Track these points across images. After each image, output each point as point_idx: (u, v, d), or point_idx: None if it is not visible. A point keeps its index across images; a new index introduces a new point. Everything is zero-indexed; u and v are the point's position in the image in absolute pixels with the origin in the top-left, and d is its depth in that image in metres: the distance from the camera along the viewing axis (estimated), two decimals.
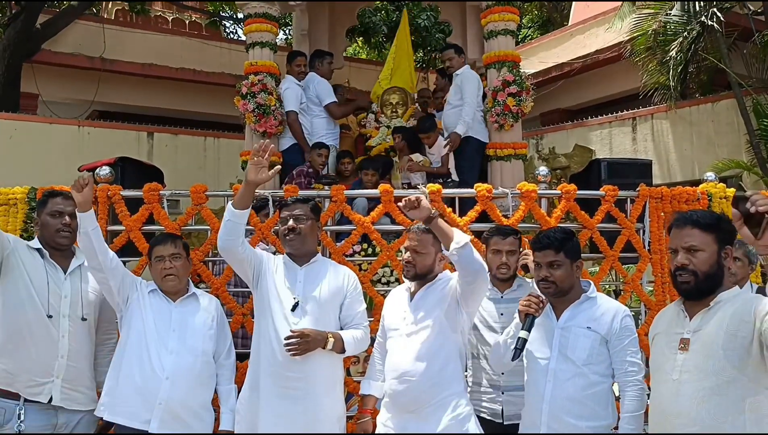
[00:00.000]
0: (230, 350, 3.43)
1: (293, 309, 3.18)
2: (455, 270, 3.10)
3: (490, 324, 3.41)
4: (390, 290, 3.63)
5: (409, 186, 5.89)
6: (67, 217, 3.31)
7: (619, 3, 11.84)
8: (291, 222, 3.25)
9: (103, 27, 12.90)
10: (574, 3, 16.07)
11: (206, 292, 3.75)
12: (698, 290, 2.47)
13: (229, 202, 3.21)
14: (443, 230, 2.95)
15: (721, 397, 2.32)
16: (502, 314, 3.41)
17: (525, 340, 2.81)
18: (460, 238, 2.92)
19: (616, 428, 2.90)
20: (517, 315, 2.94)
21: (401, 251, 3.47)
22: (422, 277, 3.19)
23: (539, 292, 2.95)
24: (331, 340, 3.14)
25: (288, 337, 3.05)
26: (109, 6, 15.76)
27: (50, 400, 3.16)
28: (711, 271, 2.45)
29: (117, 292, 3.28)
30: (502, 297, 3.47)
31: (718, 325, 2.38)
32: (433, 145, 5.97)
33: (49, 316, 3.18)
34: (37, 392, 3.14)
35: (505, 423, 3.32)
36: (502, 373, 3.30)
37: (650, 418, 2.61)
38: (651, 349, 2.67)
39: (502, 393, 3.38)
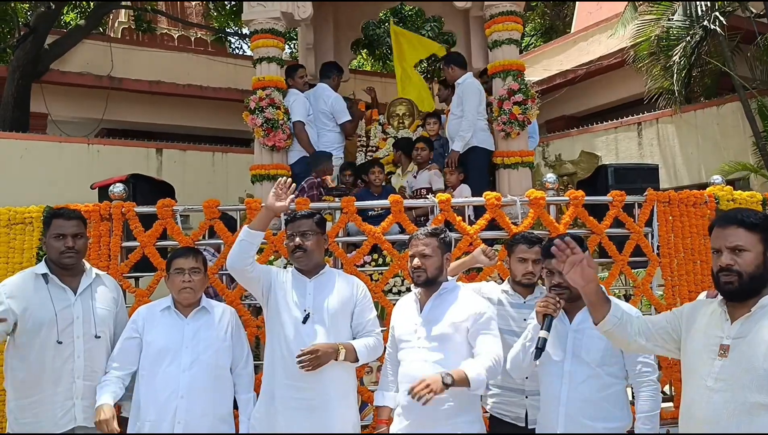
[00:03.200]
0: (248, 359, 3.44)
1: (304, 321, 3.21)
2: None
3: (513, 329, 3.40)
4: None
5: (429, 190, 5.86)
6: (69, 239, 3.30)
7: (621, 9, 11.89)
8: (298, 239, 3.27)
9: (110, 46, 13.06)
10: (576, 11, 16.14)
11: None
12: (742, 292, 2.37)
13: (245, 225, 3.26)
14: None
15: (756, 417, 2.25)
16: (525, 320, 3.40)
17: (545, 340, 2.83)
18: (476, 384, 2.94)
19: (632, 430, 2.92)
20: (534, 318, 2.97)
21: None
22: (433, 281, 3.19)
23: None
24: (343, 351, 3.16)
25: (300, 355, 3.08)
26: (116, 25, 15.95)
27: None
28: (757, 272, 2.35)
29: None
30: (524, 302, 3.48)
31: (760, 337, 2.30)
32: (456, 188, 5.81)
33: (59, 342, 3.19)
34: (66, 422, 3.19)
35: (529, 427, 3.33)
36: (527, 378, 3.31)
37: (680, 419, 2.55)
38: (685, 343, 2.54)
39: (526, 397, 3.39)
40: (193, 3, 16.62)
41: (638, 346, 2.61)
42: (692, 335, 2.53)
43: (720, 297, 2.50)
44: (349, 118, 6.53)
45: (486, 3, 6.07)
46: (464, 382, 2.87)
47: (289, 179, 3.26)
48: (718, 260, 2.41)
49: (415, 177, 6.21)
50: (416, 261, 3.18)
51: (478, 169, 6.00)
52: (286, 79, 6.35)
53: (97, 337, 3.29)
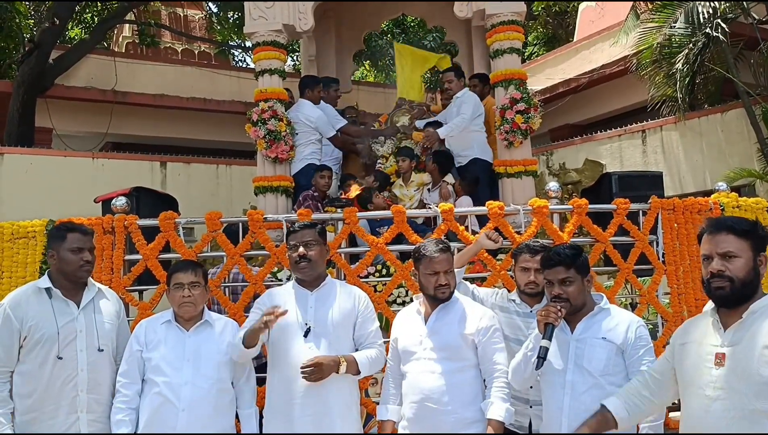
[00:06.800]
0: (250, 373, 3.43)
1: (306, 335, 3.20)
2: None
3: (520, 338, 3.37)
4: None
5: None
6: (87, 253, 3.32)
7: (624, 17, 11.88)
8: (301, 249, 3.27)
9: (114, 60, 13.12)
10: (578, 19, 16.15)
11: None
12: (734, 297, 2.39)
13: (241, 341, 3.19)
14: None
15: (756, 424, 2.26)
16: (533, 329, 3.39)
17: (547, 349, 2.82)
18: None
19: None
20: (536, 327, 2.95)
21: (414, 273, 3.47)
22: (451, 294, 3.27)
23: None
24: (344, 364, 3.15)
25: (303, 366, 3.07)
26: (120, 39, 16.06)
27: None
28: (748, 277, 2.38)
29: None
30: (531, 311, 3.46)
31: (753, 343, 2.31)
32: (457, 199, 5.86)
33: (59, 358, 3.18)
34: (66, 430, 3.18)
35: None
36: (530, 387, 3.29)
37: (680, 431, 2.57)
38: (680, 358, 2.56)
39: (530, 407, 3.37)
40: (197, 17, 16.72)
41: (654, 406, 2.74)
42: (687, 349, 2.55)
43: (712, 305, 2.51)
44: (334, 132, 6.49)
45: (487, 12, 6.08)
46: (502, 428, 3.07)
47: (281, 311, 3.11)
48: (709, 266, 2.43)
49: (429, 191, 6.26)
50: (443, 278, 3.20)
51: (481, 180, 6.04)
52: (303, 89, 6.38)
53: (100, 350, 3.29)
